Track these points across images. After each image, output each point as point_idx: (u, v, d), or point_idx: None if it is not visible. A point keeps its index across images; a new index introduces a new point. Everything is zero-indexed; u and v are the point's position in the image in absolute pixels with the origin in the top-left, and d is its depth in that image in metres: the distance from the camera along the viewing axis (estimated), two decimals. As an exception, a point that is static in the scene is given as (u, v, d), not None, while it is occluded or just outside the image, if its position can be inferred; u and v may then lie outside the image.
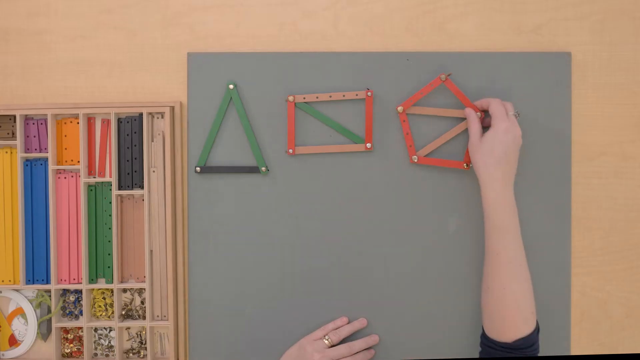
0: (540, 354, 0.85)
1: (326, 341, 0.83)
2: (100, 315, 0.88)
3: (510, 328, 0.75)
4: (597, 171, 0.88)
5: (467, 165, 0.85)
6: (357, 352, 0.84)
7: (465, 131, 0.85)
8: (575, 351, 0.87)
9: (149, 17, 0.88)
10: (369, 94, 0.85)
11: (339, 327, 0.85)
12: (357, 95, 0.86)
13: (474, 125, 0.81)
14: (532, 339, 0.75)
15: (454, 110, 0.86)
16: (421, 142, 0.87)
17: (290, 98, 0.85)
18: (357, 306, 0.87)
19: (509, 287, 0.76)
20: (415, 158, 0.85)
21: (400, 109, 0.85)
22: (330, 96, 0.86)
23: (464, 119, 0.85)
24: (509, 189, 0.78)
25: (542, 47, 0.87)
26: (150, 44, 0.88)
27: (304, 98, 0.86)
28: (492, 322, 0.77)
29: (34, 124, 0.87)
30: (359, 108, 0.86)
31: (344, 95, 0.86)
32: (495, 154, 0.77)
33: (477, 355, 0.83)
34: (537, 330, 0.77)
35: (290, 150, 0.86)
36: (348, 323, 0.86)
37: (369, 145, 0.86)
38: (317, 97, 0.86)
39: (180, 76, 0.88)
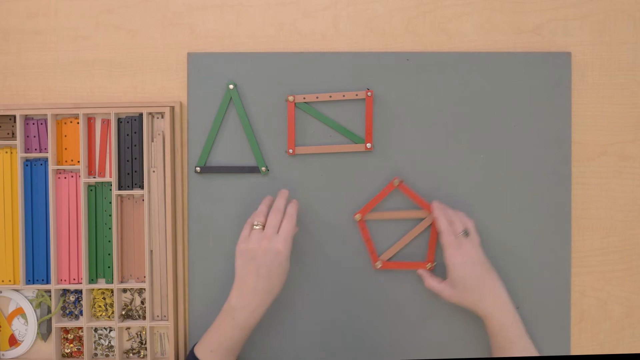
0: (540, 354, 0.85)
1: (257, 227, 0.78)
2: (100, 315, 0.88)
3: None
4: (597, 171, 0.88)
5: (430, 265, 0.85)
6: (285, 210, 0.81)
7: (425, 230, 0.86)
8: (575, 351, 0.87)
9: (149, 17, 0.88)
10: (369, 94, 0.85)
11: (255, 213, 0.81)
12: (357, 95, 0.86)
13: (442, 230, 0.81)
14: None
15: (412, 211, 0.86)
16: (382, 245, 0.86)
17: (290, 98, 0.85)
18: (356, 305, 0.87)
19: None
20: (379, 264, 0.85)
21: (357, 216, 0.85)
22: (330, 96, 0.86)
23: (422, 218, 0.86)
24: (502, 305, 0.80)
25: (542, 47, 0.87)
26: (150, 44, 0.88)
27: (304, 98, 0.86)
28: None
29: (34, 124, 0.87)
30: (359, 108, 0.86)
31: (344, 95, 0.86)
32: (472, 291, 0.79)
33: (477, 355, 0.84)
34: None
35: (290, 150, 0.86)
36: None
37: (369, 145, 0.86)
38: (317, 97, 0.86)
39: (180, 76, 0.88)
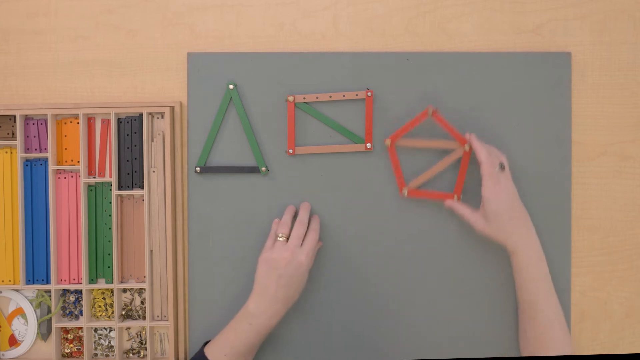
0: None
1: (281, 238, 0.80)
2: (100, 315, 0.88)
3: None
4: (597, 171, 0.88)
5: (457, 197, 0.85)
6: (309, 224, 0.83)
7: (456, 162, 0.85)
8: (575, 351, 0.87)
9: (149, 17, 0.88)
10: (369, 94, 0.85)
11: (280, 224, 0.83)
12: (357, 95, 0.86)
13: (484, 168, 0.80)
14: None
15: (443, 141, 0.85)
16: (410, 173, 0.86)
17: (290, 98, 0.85)
18: (356, 305, 0.87)
19: (545, 332, 0.78)
20: (405, 192, 0.85)
21: (387, 142, 0.84)
22: (330, 96, 0.86)
23: (453, 150, 0.85)
24: (530, 240, 0.81)
25: (542, 47, 0.87)
26: (150, 44, 0.88)
27: (304, 98, 0.86)
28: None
29: (34, 124, 0.87)
30: (359, 108, 0.86)
31: (344, 96, 0.86)
32: (505, 226, 0.80)
33: (477, 355, 0.83)
34: None
35: (290, 150, 0.86)
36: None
37: (369, 145, 0.86)
38: (317, 97, 0.86)
39: (180, 76, 0.88)
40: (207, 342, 0.82)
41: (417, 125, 0.84)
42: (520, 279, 0.80)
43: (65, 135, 0.88)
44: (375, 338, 0.87)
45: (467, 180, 0.85)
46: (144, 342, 0.89)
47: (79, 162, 0.87)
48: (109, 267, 0.87)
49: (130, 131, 0.87)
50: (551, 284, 0.81)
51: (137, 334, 0.89)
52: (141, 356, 0.89)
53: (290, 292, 0.79)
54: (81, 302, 0.88)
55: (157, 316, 0.87)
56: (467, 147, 0.83)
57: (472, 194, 0.85)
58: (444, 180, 0.86)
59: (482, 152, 0.80)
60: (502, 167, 0.80)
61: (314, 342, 0.87)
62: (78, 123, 0.87)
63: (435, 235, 0.87)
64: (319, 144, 0.87)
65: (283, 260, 0.79)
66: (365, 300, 0.87)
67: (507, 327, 0.87)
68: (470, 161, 0.84)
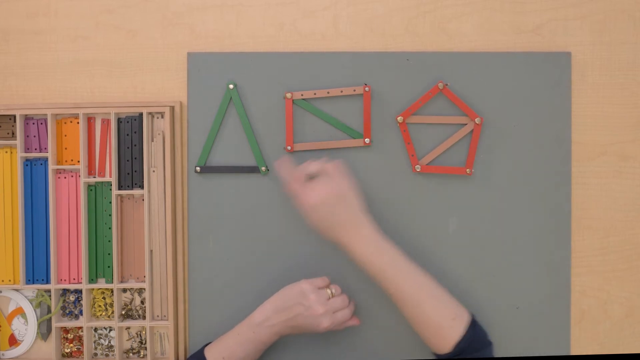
0: (540, 354, 0.85)
1: (329, 291, 0.81)
2: (100, 315, 0.89)
3: (440, 342, 0.76)
4: (597, 171, 0.88)
5: (469, 170, 0.85)
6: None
7: (466, 136, 0.86)
8: (575, 351, 0.87)
9: (149, 17, 0.88)
10: (367, 89, 0.85)
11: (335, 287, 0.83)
12: (354, 90, 0.86)
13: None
14: (468, 338, 0.76)
15: (454, 117, 0.86)
16: (422, 150, 0.87)
17: (288, 95, 0.85)
18: (356, 305, 0.87)
19: (417, 310, 0.77)
20: (418, 167, 0.86)
21: (400, 119, 0.85)
22: (328, 92, 0.86)
23: (463, 124, 0.86)
24: (363, 231, 0.79)
25: (542, 47, 0.87)
26: (150, 44, 0.88)
27: (302, 95, 0.86)
28: (426, 341, 0.78)
29: (34, 123, 0.87)
30: (357, 104, 0.86)
31: (341, 91, 0.86)
32: (328, 230, 0.79)
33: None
34: (471, 325, 0.77)
35: (289, 147, 0.86)
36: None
37: (367, 140, 0.86)
38: (314, 94, 0.86)
39: (180, 76, 0.88)
40: (208, 344, 0.82)
41: (427, 101, 0.85)
42: (365, 269, 0.79)
43: (65, 135, 0.88)
44: (375, 338, 0.87)
45: (478, 153, 0.86)
46: (144, 342, 0.89)
47: (79, 161, 0.87)
48: (108, 266, 0.87)
49: (130, 131, 0.87)
50: (406, 267, 0.79)
51: (137, 333, 0.89)
52: (141, 356, 0.89)
53: (296, 330, 0.80)
54: (81, 301, 0.88)
55: (157, 316, 0.87)
56: (477, 121, 0.84)
57: (484, 167, 0.86)
58: (456, 155, 0.87)
59: (282, 174, 0.81)
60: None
61: (314, 340, 0.87)
62: (78, 123, 0.87)
63: (434, 232, 0.87)
64: (317, 140, 0.87)
65: (314, 310, 0.79)
66: (364, 299, 0.87)
67: (506, 326, 0.87)
68: (481, 134, 0.85)
